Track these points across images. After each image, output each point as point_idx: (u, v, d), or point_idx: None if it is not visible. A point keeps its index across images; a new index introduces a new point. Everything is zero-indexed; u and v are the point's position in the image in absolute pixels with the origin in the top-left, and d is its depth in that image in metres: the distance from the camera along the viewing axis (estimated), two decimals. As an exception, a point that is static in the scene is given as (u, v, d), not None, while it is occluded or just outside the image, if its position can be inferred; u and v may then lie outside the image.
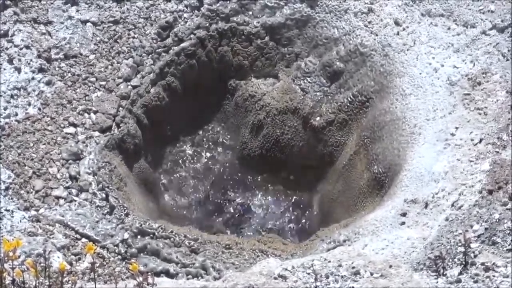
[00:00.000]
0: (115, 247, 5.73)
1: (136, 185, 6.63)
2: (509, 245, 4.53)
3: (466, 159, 5.66)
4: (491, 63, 6.24)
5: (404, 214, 5.54)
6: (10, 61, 6.49)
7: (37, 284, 3.98)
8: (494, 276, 4.27)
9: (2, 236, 5.25)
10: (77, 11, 6.89)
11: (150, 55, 6.87)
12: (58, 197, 5.93)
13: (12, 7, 6.76)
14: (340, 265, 4.28)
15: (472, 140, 5.79)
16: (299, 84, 7.09)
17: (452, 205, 5.35)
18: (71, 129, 6.37)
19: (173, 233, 5.96)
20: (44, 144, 6.20)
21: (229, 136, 7.35)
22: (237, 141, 7.34)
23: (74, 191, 6.00)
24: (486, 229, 4.76)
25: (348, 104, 6.86)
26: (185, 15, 7.04)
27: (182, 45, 6.97)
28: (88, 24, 6.87)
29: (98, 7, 6.95)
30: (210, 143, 7.36)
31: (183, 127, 7.24)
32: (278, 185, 7.28)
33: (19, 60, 6.51)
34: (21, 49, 6.57)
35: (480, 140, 5.75)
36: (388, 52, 6.66)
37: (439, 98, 6.23)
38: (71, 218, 5.79)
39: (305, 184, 7.21)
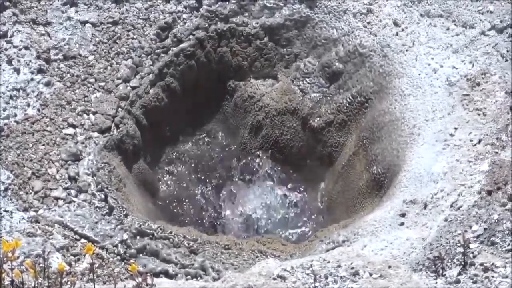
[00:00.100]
0: (114, 248, 5.73)
1: (135, 186, 6.63)
2: (508, 245, 4.53)
3: (465, 159, 5.66)
4: (490, 64, 6.24)
5: (403, 215, 5.54)
6: (9, 62, 6.50)
7: (36, 285, 3.98)
8: (493, 276, 4.27)
9: (1, 237, 5.25)
10: (76, 12, 6.89)
11: (149, 56, 6.87)
12: (57, 198, 5.93)
13: (11, 8, 6.76)
14: (339, 266, 4.28)
15: (471, 140, 5.80)
16: (298, 85, 7.10)
17: (451, 205, 5.35)
18: (70, 130, 6.37)
19: (172, 234, 5.95)
20: (43, 145, 6.20)
21: (228, 137, 7.35)
22: (236, 142, 7.34)
23: (73, 192, 6.00)
24: (485, 229, 4.77)
25: (347, 105, 6.86)
26: (184, 16, 7.04)
27: (181, 46, 6.97)
28: (87, 25, 6.87)
29: (97, 8, 6.95)
30: (210, 144, 7.36)
31: (182, 127, 7.24)
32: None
33: (18, 61, 6.51)
34: (20, 50, 6.57)
35: (479, 141, 5.76)
36: (387, 53, 6.67)
37: (438, 99, 6.23)
38: (70, 219, 5.79)
39: (304, 185, 7.21)
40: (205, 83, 7.17)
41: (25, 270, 4.10)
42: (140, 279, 3.95)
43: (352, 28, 6.89)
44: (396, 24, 6.74)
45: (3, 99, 6.28)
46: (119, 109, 6.62)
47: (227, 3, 7.06)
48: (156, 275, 5.52)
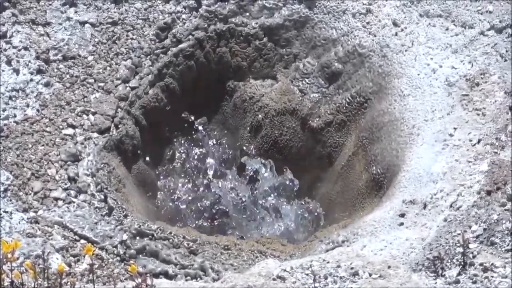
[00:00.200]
0: (114, 248, 5.73)
1: (134, 186, 6.63)
2: (507, 245, 4.53)
3: (465, 159, 5.66)
4: (490, 64, 6.24)
5: (402, 215, 5.54)
6: (9, 62, 6.49)
7: (36, 286, 3.98)
8: (492, 276, 4.27)
9: (0, 238, 5.25)
10: (76, 12, 6.89)
11: (149, 56, 6.87)
12: (56, 199, 5.93)
13: (11, 9, 6.76)
14: (338, 266, 4.28)
15: (470, 140, 5.80)
16: (297, 85, 7.10)
17: (451, 205, 5.35)
18: (70, 131, 6.37)
19: (172, 234, 5.95)
20: (43, 145, 6.20)
21: (227, 137, 7.35)
22: (235, 142, 7.34)
23: (72, 192, 6.00)
24: (484, 229, 4.77)
25: (347, 105, 6.87)
26: (184, 16, 7.04)
27: (181, 46, 6.97)
28: (87, 25, 6.87)
29: (96, 8, 6.95)
30: (209, 144, 7.35)
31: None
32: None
33: (18, 61, 6.51)
34: (19, 50, 6.57)
35: (479, 141, 5.76)
36: (386, 53, 6.67)
37: (438, 99, 6.23)
38: (70, 220, 5.79)
39: (303, 185, 7.21)
40: (204, 84, 7.17)
41: (24, 271, 4.10)
42: (139, 280, 3.95)
43: (351, 28, 6.90)
44: (395, 24, 6.74)
45: (3, 100, 6.28)
46: (119, 109, 6.62)
47: (226, 3, 7.06)
48: (156, 275, 5.52)
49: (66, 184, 6.03)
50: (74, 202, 5.94)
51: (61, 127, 6.36)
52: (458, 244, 4.66)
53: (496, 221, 4.78)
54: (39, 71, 6.54)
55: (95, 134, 6.42)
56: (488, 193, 5.22)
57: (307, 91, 7.06)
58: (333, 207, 6.93)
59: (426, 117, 6.18)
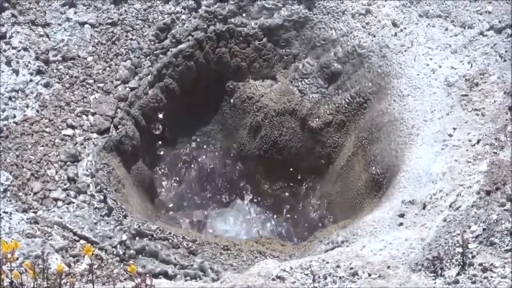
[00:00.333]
0: (113, 249, 5.73)
1: (134, 187, 6.64)
2: (507, 245, 4.54)
3: (464, 160, 5.67)
4: (489, 64, 6.24)
5: (402, 215, 5.54)
6: (8, 63, 6.50)
7: (36, 286, 3.98)
8: (492, 276, 4.27)
9: (0, 238, 5.25)
10: (75, 13, 6.89)
11: (148, 57, 6.87)
12: (56, 199, 5.93)
13: (10, 9, 6.76)
14: (338, 266, 4.28)
15: (469, 141, 5.80)
16: (297, 85, 7.10)
17: (450, 206, 5.35)
18: (69, 131, 6.37)
19: (171, 235, 5.96)
20: (42, 146, 6.20)
21: (227, 138, 7.35)
22: (235, 143, 7.34)
23: (72, 193, 6.00)
24: (484, 229, 4.77)
25: (346, 105, 6.87)
26: (183, 16, 7.04)
27: (180, 46, 6.97)
28: (86, 26, 6.87)
29: (96, 9, 6.95)
30: (208, 145, 7.36)
31: (181, 128, 7.24)
32: (276, 186, 7.27)
33: (17, 62, 6.51)
34: (19, 51, 6.57)
35: (478, 141, 5.76)
36: (385, 53, 6.67)
37: (437, 99, 6.24)
38: (69, 220, 5.80)
39: (303, 185, 7.21)
40: (203, 84, 7.17)
41: (24, 271, 4.10)
42: (139, 280, 3.95)
43: (350, 29, 6.90)
44: (394, 24, 6.75)
45: (2, 100, 6.28)
46: (118, 110, 6.62)
47: (225, 4, 7.06)
48: (155, 276, 5.52)
49: (65, 184, 6.04)
50: (73, 202, 5.94)
51: (60, 127, 6.36)
52: (458, 244, 4.66)
53: (495, 221, 4.78)
54: (39, 72, 6.54)
55: (95, 135, 6.42)
56: (488, 193, 5.22)
57: (306, 92, 7.06)
58: (333, 207, 6.93)
59: (426, 117, 6.18)
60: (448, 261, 4.54)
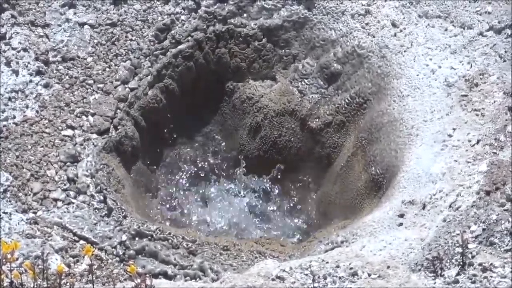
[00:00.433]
0: (113, 249, 5.73)
1: (134, 187, 6.64)
2: (506, 245, 4.54)
3: (464, 160, 5.67)
4: (488, 64, 6.25)
5: (401, 215, 5.54)
6: (8, 64, 6.50)
7: (35, 286, 3.98)
8: (491, 276, 4.27)
9: (0, 239, 5.25)
10: (75, 13, 6.89)
11: (148, 58, 6.87)
12: (56, 200, 5.93)
13: (10, 10, 6.76)
14: (338, 266, 4.28)
15: (469, 141, 5.80)
16: (296, 86, 7.10)
17: (450, 206, 5.35)
18: (69, 132, 6.37)
19: (171, 235, 5.96)
20: (42, 146, 6.20)
21: (226, 138, 7.35)
22: (234, 143, 7.34)
23: (72, 193, 6.00)
24: (483, 229, 4.77)
25: (346, 105, 6.87)
26: (183, 17, 7.04)
27: (180, 47, 6.97)
28: (86, 26, 6.87)
29: (95, 9, 6.95)
30: (208, 145, 7.36)
31: (180, 129, 7.24)
32: (276, 187, 7.27)
33: (17, 63, 6.51)
34: (18, 51, 6.57)
35: (478, 141, 5.76)
36: (385, 54, 6.67)
37: (436, 100, 6.24)
38: (69, 220, 5.80)
39: (302, 186, 7.21)
40: (203, 85, 7.17)
41: (24, 271, 4.11)
42: (139, 280, 3.95)
43: (350, 29, 6.90)
44: (394, 25, 6.75)
45: (2, 101, 6.29)
46: (118, 110, 6.63)
47: (225, 4, 7.07)
48: (155, 276, 5.52)
49: (65, 185, 6.04)
50: (73, 203, 5.94)
51: (60, 128, 6.36)
52: (457, 244, 4.66)
53: (495, 221, 4.78)
54: (39, 72, 6.54)
55: (94, 135, 6.42)
56: (487, 193, 5.22)
57: (306, 92, 7.06)
58: (332, 207, 6.93)
59: (425, 118, 6.18)
60: (448, 261, 4.54)
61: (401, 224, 5.46)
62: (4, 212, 5.64)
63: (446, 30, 6.59)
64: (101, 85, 6.67)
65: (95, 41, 6.84)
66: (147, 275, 4.40)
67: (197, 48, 7.02)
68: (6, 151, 6.07)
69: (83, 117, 6.48)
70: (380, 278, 4.17)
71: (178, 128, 7.20)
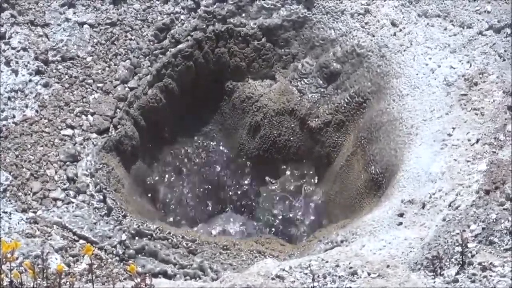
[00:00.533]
0: (113, 249, 5.73)
1: (133, 187, 6.64)
2: (506, 244, 4.54)
3: (463, 159, 5.67)
4: (488, 64, 6.25)
5: (401, 215, 5.54)
6: (8, 63, 6.50)
7: (35, 286, 3.98)
8: (491, 276, 4.27)
9: (0, 238, 5.25)
10: (74, 13, 6.89)
11: (147, 57, 6.88)
12: (55, 199, 5.93)
13: (9, 10, 6.76)
14: (337, 266, 4.28)
15: (469, 140, 5.80)
16: (296, 85, 7.10)
17: (449, 205, 5.35)
18: (69, 131, 6.37)
19: (171, 234, 5.96)
20: (42, 146, 6.21)
21: (226, 138, 7.35)
22: (234, 143, 7.34)
23: (71, 192, 6.01)
24: (483, 229, 4.77)
25: (345, 105, 6.87)
26: (182, 17, 7.05)
27: (179, 46, 6.97)
28: (85, 26, 6.87)
29: (95, 9, 6.95)
30: (208, 145, 7.36)
31: (180, 128, 7.24)
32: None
33: (16, 62, 6.51)
34: (18, 51, 6.57)
35: (477, 141, 5.76)
36: (385, 53, 6.67)
37: (436, 99, 6.24)
38: (69, 220, 5.80)
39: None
40: (203, 84, 7.17)
41: (24, 271, 4.11)
42: (138, 280, 3.95)
43: (349, 29, 6.90)
44: (393, 24, 6.75)
45: (2, 101, 6.29)
46: (117, 110, 6.63)
47: (224, 3, 7.06)
48: (155, 275, 5.52)
49: (65, 184, 6.04)
50: (73, 202, 5.94)
51: (60, 127, 6.36)
52: (457, 244, 4.66)
53: (494, 220, 4.78)
54: (38, 72, 6.54)
55: (94, 135, 6.43)
56: (487, 192, 5.22)
57: (305, 91, 7.06)
58: (332, 207, 6.93)
59: (425, 117, 6.19)
60: (448, 260, 4.54)
61: (400, 224, 5.46)
62: (4, 212, 5.64)
63: (445, 29, 6.59)
64: (100, 85, 6.67)
65: (95, 40, 6.84)
66: (147, 274, 4.40)
67: (196, 47, 7.03)
68: (5, 151, 6.07)
69: (83, 116, 6.48)
70: (380, 278, 4.17)
71: (177, 128, 7.20)
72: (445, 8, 6.67)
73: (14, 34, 6.66)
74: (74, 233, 5.73)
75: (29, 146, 6.16)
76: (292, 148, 7.19)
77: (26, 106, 6.35)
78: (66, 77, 6.62)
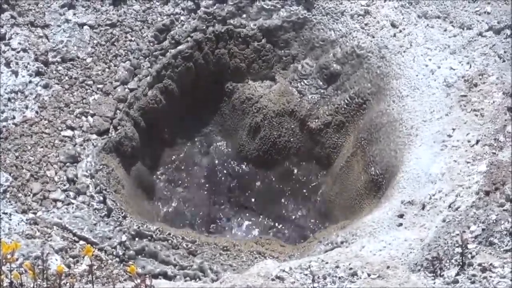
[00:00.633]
0: (113, 250, 5.73)
1: (133, 188, 6.64)
2: (506, 245, 4.54)
3: (463, 160, 5.67)
4: (488, 65, 6.25)
5: (401, 216, 5.54)
6: (8, 64, 6.50)
7: (35, 287, 3.98)
8: (491, 276, 4.27)
9: (0, 239, 5.25)
10: (74, 14, 6.90)
11: (147, 58, 6.88)
12: (55, 200, 5.93)
13: (9, 11, 6.76)
14: (337, 266, 4.28)
15: (468, 141, 5.80)
16: (296, 86, 7.10)
17: (449, 206, 5.35)
18: (69, 132, 6.37)
19: (171, 235, 5.96)
20: (42, 147, 6.21)
21: (226, 139, 7.36)
22: (234, 144, 7.34)
23: (71, 194, 6.01)
24: (483, 230, 4.77)
25: (345, 106, 6.87)
26: (182, 18, 7.05)
27: (179, 47, 6.97)
28: (85, 27, 6.87)
29: (95, 10, 6.95)
30: (208, 146, 7.36)
31: (180, 129, 7.25)
32: (276, 187, 7.28)
33: (17, 63, 6.52)
34: (18, 52, 6.57)
35: (477, 142, 5.76)
36: (384, 54, 6.67)
37: (436, 100, 6.24)
38: (69, 221, 5.80)
39: (302, 186, 7.22)
40: (203, 85, 7.17)
41: (24, 271, 4.11)
42: (138, 281, 3.95)
43: (349, 30, 6.90)
44: (393, 25, 6.75)
45: (2, 102, 6.29)
46: (117, 111, 6.63)
47: (224, 5, 7.07)
48: (155, 276, 5.53)
49: (65, 185, 6.04)
50: (73, 203, 5.95)
51: (60, 128, 6.36)
52: (457, 245, 4.66)
53: (494, 221, 4.78)
54: (38, 73, 6.55)
55: (94, 136, 6.43)
56: (487, 193, 5.22)
57: (305, 92, 7.07)
58: (332, 207, 6.93)
59: (425, 118, 6.19)
60: (448, 261, 4.54)
61: (400, 225, 5.46)
62: (4, 213, 5.64)
63: (445, 30, 6.60)
64: (100, 86, 6.67)
65: (95, 41, 6.84)
66: (147, 275, 4.40)
67: (196, 48, 7.03)
68: (6, 152, 6.07)
69: (83, 117, 6.48)
70: (380, 278, 4.17)
71: (177, 129, 7.21)
72: (445, 9, 6.67)
73: (14, 35, 6.67)
74: (74, 234, 5.73)
75: (29, 147, 6.16)
76: (292, 149, 7.19)
77: (26, 107, 6.36)
78: (66, 78, 6.63)
